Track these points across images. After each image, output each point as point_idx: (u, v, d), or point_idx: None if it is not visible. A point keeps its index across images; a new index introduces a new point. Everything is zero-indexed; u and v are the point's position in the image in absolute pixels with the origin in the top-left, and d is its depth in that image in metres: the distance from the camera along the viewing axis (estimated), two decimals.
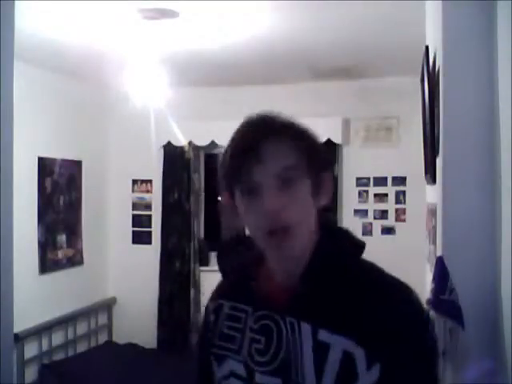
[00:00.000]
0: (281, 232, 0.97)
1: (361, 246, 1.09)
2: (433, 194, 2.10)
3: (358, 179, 4.70)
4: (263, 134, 0.98)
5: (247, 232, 1.05)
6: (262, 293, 1.06)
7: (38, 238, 4.27)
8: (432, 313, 1.63)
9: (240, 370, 1.04)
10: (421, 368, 0.97)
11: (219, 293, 1.17)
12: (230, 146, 1.01)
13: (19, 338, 3.87)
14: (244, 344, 1.05)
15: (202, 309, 1.27)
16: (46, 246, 4.34)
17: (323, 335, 0.96)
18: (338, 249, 1.05)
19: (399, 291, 1.02)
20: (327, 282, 1.00)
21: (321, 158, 1.04)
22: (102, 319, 5.06)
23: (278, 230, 0.97)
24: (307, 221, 1.02)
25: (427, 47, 2.24)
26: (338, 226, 1.15)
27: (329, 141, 4.61)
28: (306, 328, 0.98)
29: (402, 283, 1.03)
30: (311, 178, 1.00)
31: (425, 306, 1.05)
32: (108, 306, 5.14)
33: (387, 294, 1.01)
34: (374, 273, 1.07)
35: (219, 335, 1.10)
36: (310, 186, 1.01)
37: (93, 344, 4.87)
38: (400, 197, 4.59)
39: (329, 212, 1.13)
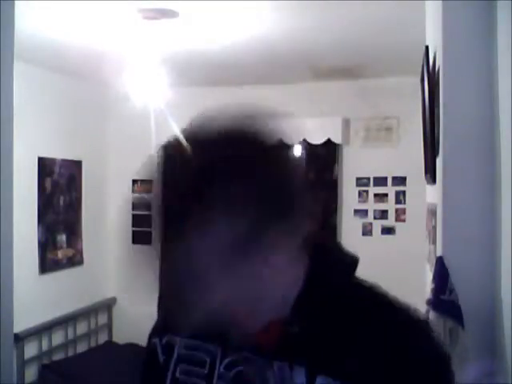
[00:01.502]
0: None
1: (355, 264, 0.84)
2: (433, 194, 2.10)
3: (357, 179, 4.70)
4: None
5: None
6: (236, 335, 0.78)
7: (38, 238, 4.27)
8: (434, 313, 1.63)
9: None
10: None
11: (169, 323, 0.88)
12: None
13: (19, 338, 3.87)
14: None
15: None
16: (46, 246, 4.35)
17: (321, 382, 0.74)
18: (333, 273, 0.81)
19: (414, 328, 0.78)
20: (325, 313, 0.77)
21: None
22: (102, 319, 5.06)
23: None
24: None
25: (427, 47, 2.24)
26: (330, 243, 0.90)
27: (329, 141, 4.61)
28: (298, 373, 0.75)
29: (416, 315, 0.80)
30: None
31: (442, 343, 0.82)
32: (108, 306, 5.14)
33: (400, 331, 0.77)
34: (380, 301, 0.82)
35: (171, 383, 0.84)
36: None
37: (93, 344, 4.87)
38: (400, 197, 4.59)
39: (323, 229, 0.96)
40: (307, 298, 0.78)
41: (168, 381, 0.84)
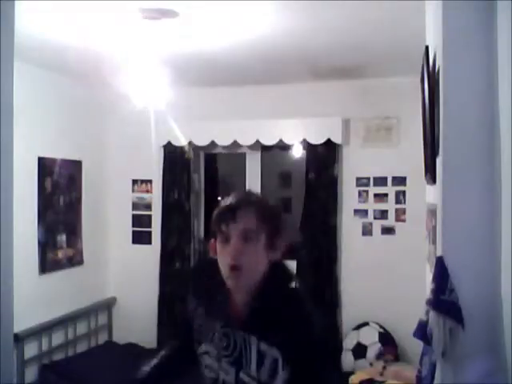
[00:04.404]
0: (237, 268, 1.48)
1: (291, 279, 1.60)
2: (433, 194, 2.10)
3: (358, 179, 4.70)
4: (238, 205, 1.52)
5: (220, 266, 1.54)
6: (224, 310, 1.57)
7: (38, 238, 4.27)
8: (434, 313, 1.63)
9: (213, 352, 1.60)
10: (314, 363, 1.47)
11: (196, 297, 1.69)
12: (218, 208, 1.54)
13: (19, 338, 3.88)
14: (215, 339, 1.59)
15: None
16: (45, 246, 4.35)
17: (263, 346, 1.48)
18: (276, 284, 1.54)
19: (306, 321, 1.48)
20: (268, 307, 1.49)
21: (276, 227, 1.55)
22: (102, 319, 5.06)
23: (236, 267, 1.48)
24: (257, 264, 1.51)
25: (427, 47, 2.24)
26: (282, 266, 1.61)
27: (329, 141, 4.61)
28: (253, 339, 1.50)
29: (310, 314, 1.50)
30: (266, 239, 1.52)
31: (321, 331, 1.50)
32: (108, 306, 5.15)
33: (298, 321, 1.47)
34: (295, 303, 1.52)
35: (198, 325, 1.65)
36: (264, 244, 1.52)
37: (93, 344, 4.87)
38: (400, 197, 4.59)
39: (283, 260, 1.61)
40: (260, 297, 1.50)
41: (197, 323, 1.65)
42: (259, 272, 1.51)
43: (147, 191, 5.19)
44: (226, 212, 1.51)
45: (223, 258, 1.51)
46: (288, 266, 1.62)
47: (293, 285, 1.58)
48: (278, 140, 4.75)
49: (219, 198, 5.61)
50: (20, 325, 3.74)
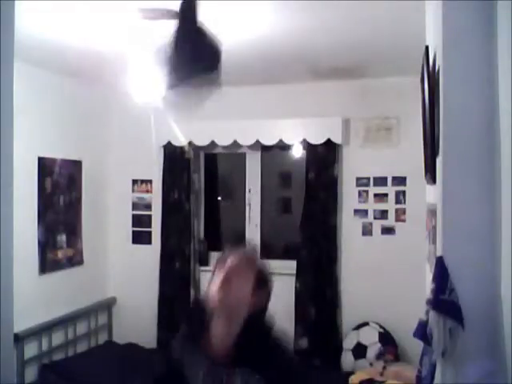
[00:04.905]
0: (220, 303, 1.64)
1: (270, 328, 1.74)
2: (433, 194, 2.10)
3: (358, 179, 4.70)
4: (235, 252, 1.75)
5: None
6: (211, 349, 1.70)
7: (38, 238, 4.27)
8: (434, 313, 1.63)
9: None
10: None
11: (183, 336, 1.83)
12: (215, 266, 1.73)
13: (19, 338, 3.88)
14: (200, 377, 1.72)
15: None
16: (45, 245, 4.35)
17: (247, 379, 1.65)
18: (257, 328, 1.70)
19: (283, 358, 1.72)
20: (250, 347, 1.66)
21: (262, 281, 1.70)
22: (102, 319, 5.06)
23: (219, 301, 1.64)
24: (238, 306, 1.65)
25: (427, 47, 2.24)
26: (262, 316, 1.74)
27: (329, 141, 4.61)
28: (237, 372, 1.66)
29: (285, 352, 1.78)
30: (252, 287, 1.65)
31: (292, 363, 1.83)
32: (108, 306, 5.14)
33: (276, 359, 1.68)
34: (275, 343, 1.73)
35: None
36: (249, 291, 1.65)
37: (93, 344, 4.87)
38: (400, 197, 4.59)
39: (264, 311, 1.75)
40: (243, 340, 1.66)
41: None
42: (240, 315, 1.66)
43: (147, 191, 5.19)
44: (223, 257, 1.72)
45: (209, 293, 1.68)
46: (269, 316, 1.78)
47: (272, 331, 1.74)
48: (277, 140, 4.75)
49: (219, 198, 5.62)
50: (20, 325, 3.74)
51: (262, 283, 1.72)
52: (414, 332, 1.75)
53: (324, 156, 4.66)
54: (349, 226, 4.71)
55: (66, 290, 4.55)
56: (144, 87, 3.30)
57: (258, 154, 5.08)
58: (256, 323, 1.70)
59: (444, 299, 1.61)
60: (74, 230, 4.70)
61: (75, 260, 4.72)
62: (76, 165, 4.73)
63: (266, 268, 1.77)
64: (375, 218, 4.65)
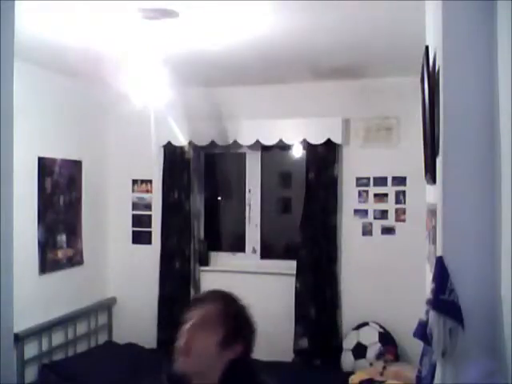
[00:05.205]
0: (185, 352, 1.57)
1: (255, 373, 1.66)
2: (433, 194, 2.10)
3: (357, 179, 4.70)
4: (204, 297, 1.74)
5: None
6: None
7: (38, 238, 4.27)
8: (434, 313, 1.63)
9: None
10: None
11: None
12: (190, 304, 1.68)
13: (19, 338, 3.88)
14: None
15: None
16: (45, 246, 4.34)
17: None
18: (240, 376, 1.61)
19: None
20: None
21: (236, 327, 1.61)
22: (102, 319, 5.06)
23: (185, 350, 1.56)
24: (207, 356, 1.57)
25: (427, 47, 2.24)
26: (245, 363, 1.65)
27: (329, 141, 4.61)
28: None
29: None
30: (224, 335, 1.58)
31: None
32: (108, 306, 5.14)
33: None
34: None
35: None
36: (221, 339, 1.57)
37: (93, 344, 4.87)
38: (400, 197, 4.59)
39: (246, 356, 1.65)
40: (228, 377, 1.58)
41: None
42: (212, 366, 1.58)
43: (147, 191, 5.19)
44: (192, 301, 1.70)
45: (177, 341, 1.58)
46: (252, 363, 1.69)
47: (258, 377, 1.65)
48: (278, 140, 4.75)
49: (219, 198, 5.61)
50: (20, 325, 3.74)
51: (240, 329, 1.63)
52: (413, 332, 1.75)
53: (324, 156, 4.66)
54: (349, 226, 4.71)
55: (65, 290, 4.54)
56: (144, 87, 3.30)
57: (258, 154, 5.08)
58: (238, 371, 1.61)
59: (444, 299, 1.61)
60: (73, 230, 4.70)
61: (75, 260, 4.72)
62: (76, 165, 4.73)
63: (245, 312, 1.68)
64: (375, 218, 4.65)
